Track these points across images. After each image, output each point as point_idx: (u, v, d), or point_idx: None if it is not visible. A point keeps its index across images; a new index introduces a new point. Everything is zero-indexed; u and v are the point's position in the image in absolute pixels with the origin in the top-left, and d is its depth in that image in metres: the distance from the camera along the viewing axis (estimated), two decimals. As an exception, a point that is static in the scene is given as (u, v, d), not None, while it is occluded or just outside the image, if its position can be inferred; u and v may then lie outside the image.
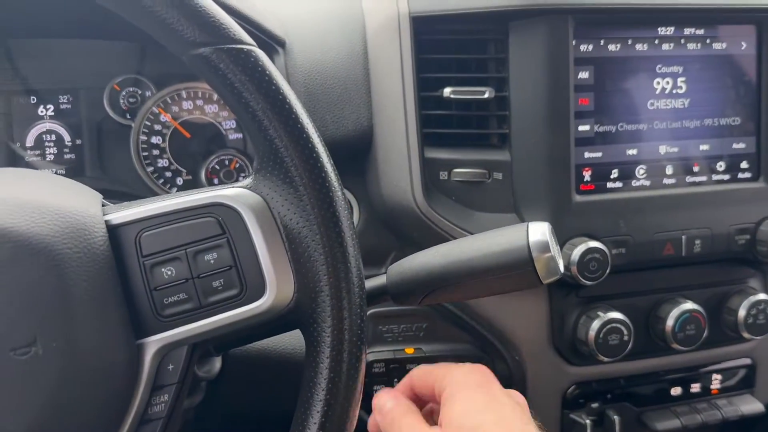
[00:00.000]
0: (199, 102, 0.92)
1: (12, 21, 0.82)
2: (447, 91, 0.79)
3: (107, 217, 0.46)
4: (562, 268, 0.56)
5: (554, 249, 0.56)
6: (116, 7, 0.46)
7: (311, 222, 0.47)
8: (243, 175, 0.92)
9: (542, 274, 0.55)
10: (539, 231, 0.56)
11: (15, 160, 0.87)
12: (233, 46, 0.45)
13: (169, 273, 0.46)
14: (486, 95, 0.79)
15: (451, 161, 0.81)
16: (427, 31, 0.80)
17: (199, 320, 0.46)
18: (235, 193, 0.48)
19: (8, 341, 0.40)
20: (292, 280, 0.47)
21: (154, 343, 0.45)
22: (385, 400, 0.62)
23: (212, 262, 0.47)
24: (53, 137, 0.88)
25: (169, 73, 0.92)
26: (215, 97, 0.93)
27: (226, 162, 0.92)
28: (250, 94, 0.46)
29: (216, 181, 0.92)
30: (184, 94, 0.92)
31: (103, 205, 0.49)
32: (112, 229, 0.46)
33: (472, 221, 0.80)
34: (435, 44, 0.80)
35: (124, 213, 0.47)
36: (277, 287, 0.47)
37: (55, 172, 0.88)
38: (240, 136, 0.94)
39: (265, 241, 0.47)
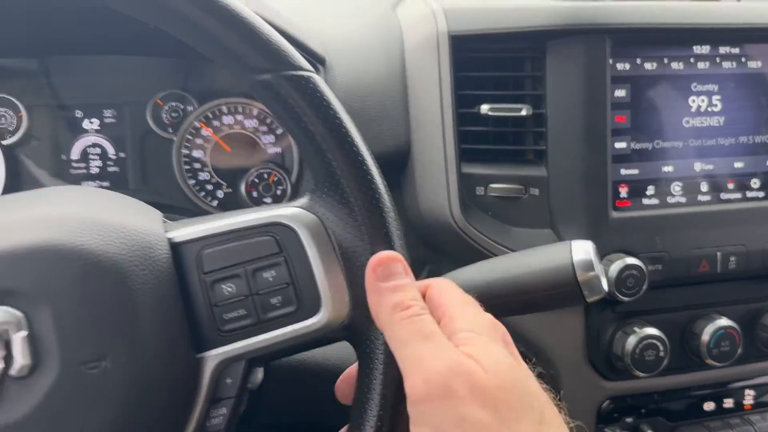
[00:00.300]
0: (240, 117, 0.95)
1: (62, 38, 0.85)
2: (484, 108, 0.81)
3: (169, 235, 0.48)
4: (606, 288, 0.57)
5: (598, 268, 0.57)
6: (181, 33, 0.48)
7: (365, 241, 0.49)
8: (281, 188, 0.94)
9: (586, 293, 0.56)
10: (583, 250, 0.57)
11: (61, 173, 0.90)
12: (294, 72, 0.47)
13: (229, 289, 0.48)
14: (523, 112, 0.80)
15: (488, 176, 0.82)
16: (464, 49, 0.81)
17: (257, 335, 0.48)
18: (292, 213, 0.50)
19: (79, 355, 0.42)
20: (347, 298, 0.49)
21: (213, 357, 0.47)
22: (398, 268, 0.48)
23: (270, 279, 0.48)
24: (98, 150, 0.91)
25: (211, 89, 0.94)
26: (255, 111, 0.95)
27: (265, 175, 0.94)
28: (309, 118, 0.47)
29: (255, 194, 0.93)
30: (225, 108, 0.94)
31: (163, 222, 0.50)
32: (175, 247, 0.48)
33: (509, 236, 0.81)
34: (472, 62, 0.82)
35: (186, 231, 0.49)
36: (332, 304, 0.48)
37: (100, 185, 0.91)
38: (278, 150, 0.96)
39: (321, 259, 0.48)
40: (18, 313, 0.42)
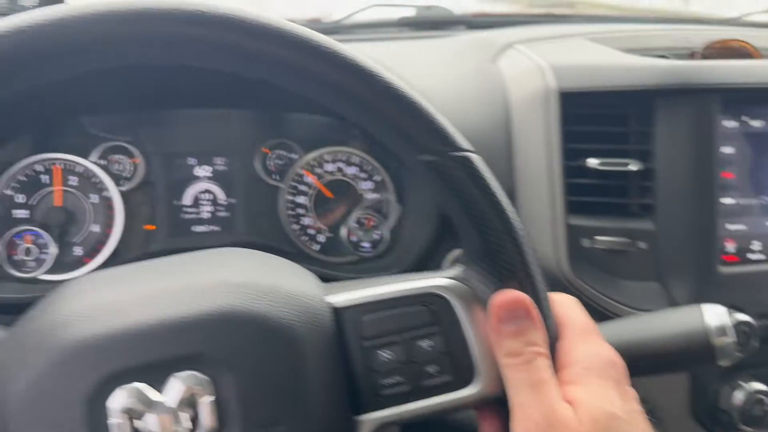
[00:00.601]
0: (341, 164, 0.98)
1: (179, 93, 0.89)
2: (593, 162, 0.83)
3: (329, 299, 0.50)
4: (740, 352, 0.58)
5: (731, 333, 0.57)
6: (346, 110, 0.50)
7: None
8: (378, 232, 0.96)
9: (721, 358, 0.57)
10: (717, 314, 0.58)
11: (174, 217, 0.93)
12: (459, 154, 0.49)
13: (387, 356, 0.49)
14: (632, 167, 0.82)
15: (594, 228, 0.84)
16: (572, 105, 0.83)
17: (414, 402, 0.49)
18: (446, 284, 0.51)
19: (258, 419, 0.44)
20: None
21: (370, 421, 0.48)
22: (520, 311, 0.47)
23: (427, 348, 0.50)
24: (209, 196, 0.95)
25: (314, 137, 0.97)
26: (355, 159, 0.98)
27: (363, 220, 0.97)
28: (471, 197, 0.49)
29: (354, 239, 0.96)
30: (327, 157, 0.97)
31: (321, 286, 0.53)
32: (335, 311, 0.50)
33: (616, 289, 0.82)
34: (579, 117, 0.84)
35: (345, 297, 0.51)
36: (487, 376, 0.49)
37: (210, 229, 0.94)
38: (376, 196, 0.99)
39: (476, 330, 0.50)
40: (205, 378, 0.43)
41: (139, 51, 0.45)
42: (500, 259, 0.50)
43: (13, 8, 0.82)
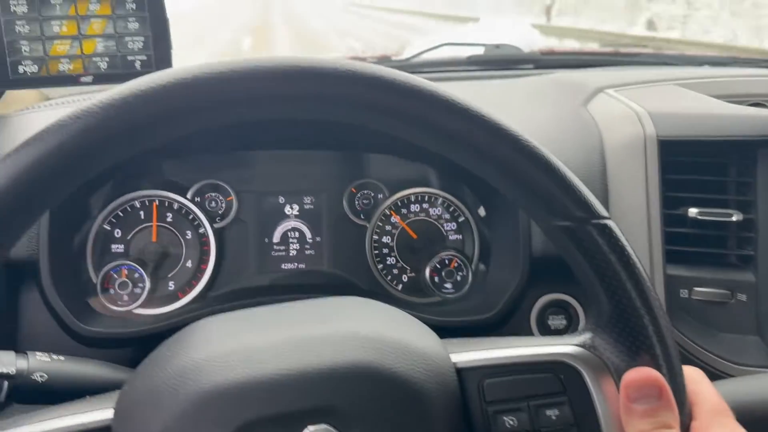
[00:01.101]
0: (425, 205, 0.98)
1: (273, 136, 0.91)
2: (693, 212, 0.82)
3: (453, 359, 0.50)
4: None
5: None
6: (481, 170, 0.50)
7: None
8: (461, 273, 0.96)
9: None
10: None
11: (264, 255, 0.95)
12: (599, 221, 0.48)
13: (511, 422, 0.48)
14: (734, 218, 0.81)
15: (693, 279, 0.82)
16: (670, 153, 0.83)
17: None
18: (575, 352, 0.50)
19: None
20: None
21: None
22: (652, 390, 0.46)
23: (553, 418, 0.48)
24: (297, 234, 0.96)
25: (399, 178, 0.98)
26: (439, 200, 0.98)
27: (446, 261, 0.97)
28: (608, 264, 0.48)
29: (437, 279, 0.96)
30: (412, 197, 0.98)
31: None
32: (458, 371, 0.49)
33: (714, 341, 0.81)
34: (678, 165, 0.83)
35: (468, 357, 0.50)
36: None
37: (297, 267, 0.95)
38: (459, 237, 0.99)
39: (607, 402, 0.48)
40: None
41: (279, 108, 0.46)
42: (633, 330, 0.49)
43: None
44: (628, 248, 0.49)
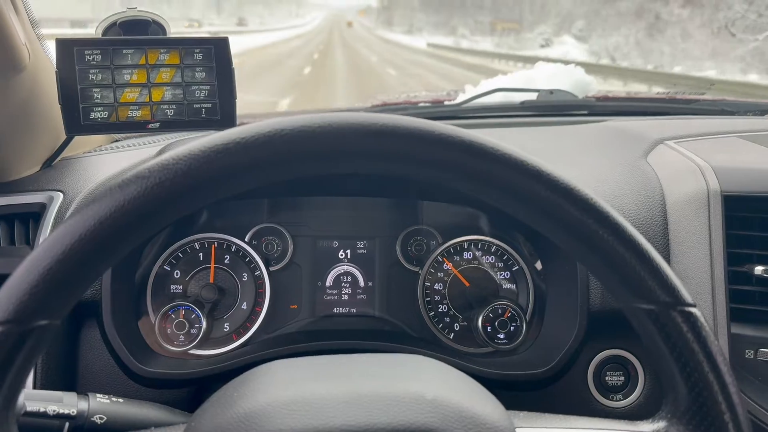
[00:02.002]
0: (478, 253, 0.98)
1: (331, 182, 0.93)
2: (759, 270, 0.79)
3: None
4: None
5: None
6: (570, 247, 0.49)
7: None
8: (515, 324, 0.94)
9: None
10: None
11: (316, 298, 0.95)
12: (685, 309, 0.47)
13: None
14: (803, 277, 0.78)
15: (758, 339, 0.79)
16: (736, 208, 0.81)
17: None
18: None
19: None
20: None
21: None
22: None
23: None
24: (349, 278, 0.96)
25: (453, 225, 0.98)
26: (492, 248, 0.98)
27: (500, 311, 0.95)
28: (691, 353, 0.46)
29: (489, 329, 0.95)
30: (465, 245, 0.98)
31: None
32: None
33: (784, 406, 0.77)
34: (742, 221, 0.81)
35: None
36: None
37: (348, 311, 0.96)
38: (513, 286, 0.97)
39: None
40: None
41: (370, 164, 0.46)
42: (712, 425, 0.47)
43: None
44: (713, 339, 0.47)
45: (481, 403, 0.49)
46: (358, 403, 0.45)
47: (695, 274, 0.81)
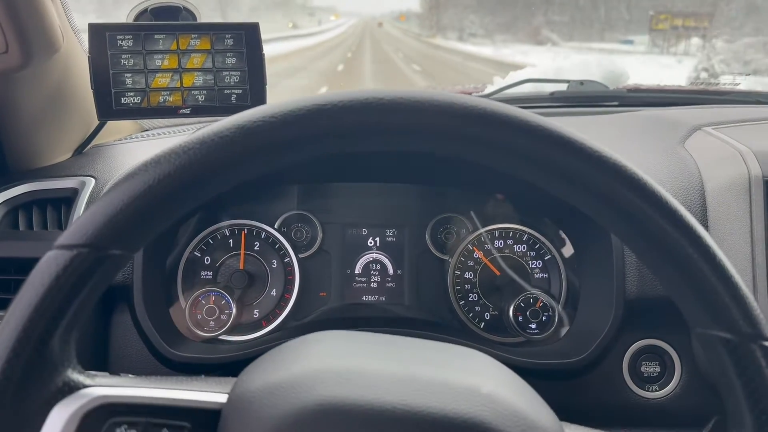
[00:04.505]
0: (510, 241, 0.96)
1: (360, 168, 0.92)
2: (803, 257, 0.76)
3: None
4: None
5: None
6: (647, 259, 0.47)
7: None
8: (547, 314, 0.93)
9: None
10: None
11: (345, 286, 0.95)
12: (766, 343, 0.44)
13: None
14: None
15: (802, 330, 0.76)
16: (777, 194, 0.78)
17: None
18: None
19: None
20: None
21: None
22: None
23: None
24: (378, 266, 0.96)
25: (484, 213, 0.97)
26: (524, 237, 0.96)
27: (531, 301, 0.94)
28: (766, 391, 0.45)
29: (521, 318, 0.93)
30: (496, 233, 0.96)
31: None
32: None
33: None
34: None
35: None
36: None
37: (378, 299, 0.95)
38: (545, 275, 0.96)
39: None
40: None
41: (427, 141, 0.45)
42: None
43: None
44: None
45: (536, 407, 0.47)
46: (414, 385, 0.44)
47: (736, 260, 0.79)
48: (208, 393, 0.44)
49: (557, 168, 0.43)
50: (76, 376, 0.42)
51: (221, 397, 0.44)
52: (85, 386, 0.42)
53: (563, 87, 1.40)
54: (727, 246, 0.80)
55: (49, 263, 0.39)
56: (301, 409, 0.41)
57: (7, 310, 0.39)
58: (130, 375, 0.60)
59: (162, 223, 0.42)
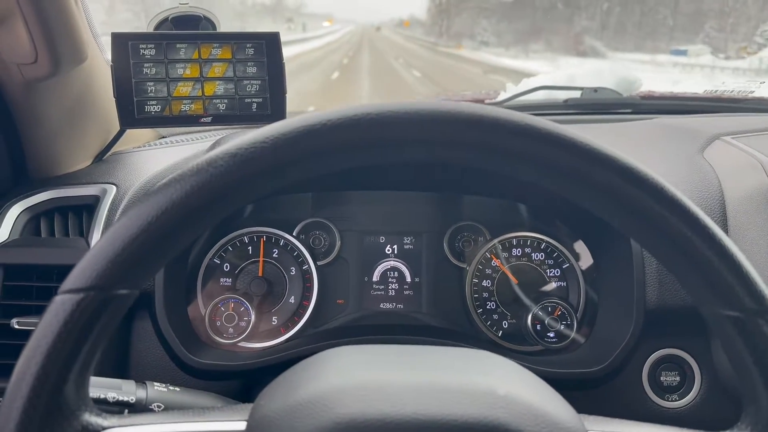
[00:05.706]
0: (527, 249, 0.96)
1: (378, 176, 0.92)
2: (825, 268, 0.76)
3: None
4: None
5: None
6: (650, 246, 0.47)
7: None
8: (565, 322, 0.93)
9: None
10: None
11: (363, 293, 0.95)
12: None
13: None
14: None
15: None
16: (799, 204, 0.78)
17: None
18: None
19: None
20: None
21: None
22: None
23: None
24: (396, 274, 0.96)
25: (501, 221, 0.97)
26: (542, 245, 0.96)
27: (550, 309, 0.94)
28: None
29: (539, 327, 0.93)
30: (514, 241, 0.96)
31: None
32: None
33: None
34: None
35: None
36: None
37: (395, 307, 0.95)
38: (563, 284, 0.96)
39: None
40: None
41: (452, 153, 0.45)
42: None
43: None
44: None
45: (553, 403, 0.47)
46: (430, 393, 0.44)
47: (756, 269, 0.78)
48: (227, 422, 0.45)
49: (569, 172, 0.44)
50: (93, 419, 0.43)
51: (240, 425, 0.44)
52: (103, 428, 0.43)
53: (576, 94, 1.40)
54: (748, 256, 0.79)
55: (56, 309, 0.40)
56: (320, 429, 0.41)
57: (18, 359, 0.39)
58: (155, 404, 0.61)
59: (165, 258, 0.42)
